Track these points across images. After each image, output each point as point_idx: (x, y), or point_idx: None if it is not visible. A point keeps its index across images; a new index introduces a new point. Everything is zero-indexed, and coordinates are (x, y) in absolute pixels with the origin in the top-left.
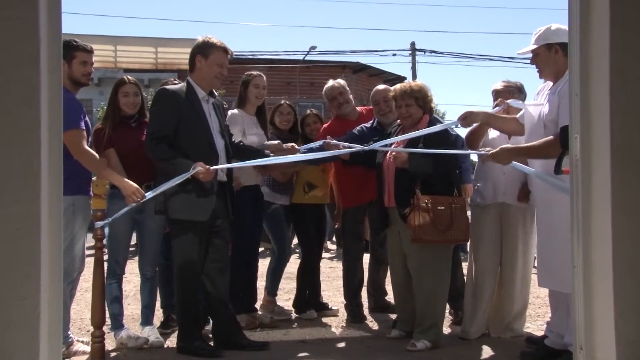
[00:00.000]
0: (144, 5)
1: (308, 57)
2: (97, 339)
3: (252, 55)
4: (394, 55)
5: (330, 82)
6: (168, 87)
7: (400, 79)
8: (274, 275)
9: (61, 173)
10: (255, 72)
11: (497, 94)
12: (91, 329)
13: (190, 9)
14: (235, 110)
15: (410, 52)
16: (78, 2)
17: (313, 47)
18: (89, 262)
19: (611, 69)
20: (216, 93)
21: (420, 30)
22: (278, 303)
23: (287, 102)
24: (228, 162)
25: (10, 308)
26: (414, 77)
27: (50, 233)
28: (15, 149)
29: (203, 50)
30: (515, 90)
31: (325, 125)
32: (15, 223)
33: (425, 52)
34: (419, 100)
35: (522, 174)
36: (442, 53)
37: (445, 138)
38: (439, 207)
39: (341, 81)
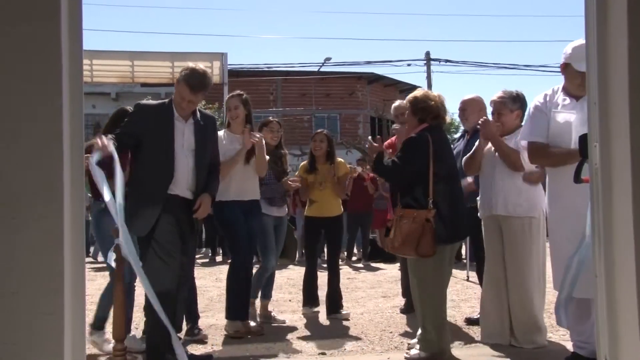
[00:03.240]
0: (160, 20)
1: (323, 69)
2: (119, 352)
3: (268, 67)
4: (408, 65)
5: (398, 102)
6: (144, 102)
7: (415, 88)
8: (259, 282)
9: (83, 188)
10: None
11: (493, 104)
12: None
13: (206, 23)
14: (220, 132)
15: (425, 61)
16: (97, 18)
17: (328, 59)
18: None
19: (630, 77)
20: (200, 111)
21: (435, 39)
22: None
23: (275, 118)
24: (195, 182)
25: (36, 323)
26: (429, 86)
27: (74, 248)
28: (38, 165)
29: (179, 76)
30: (509, 101)
31: (388, 141)
32: (41, 238)
33: (440, 61)
34: (413, 106)
35: (516, 187)
36: (457, 62)
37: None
38: (403, 221)
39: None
